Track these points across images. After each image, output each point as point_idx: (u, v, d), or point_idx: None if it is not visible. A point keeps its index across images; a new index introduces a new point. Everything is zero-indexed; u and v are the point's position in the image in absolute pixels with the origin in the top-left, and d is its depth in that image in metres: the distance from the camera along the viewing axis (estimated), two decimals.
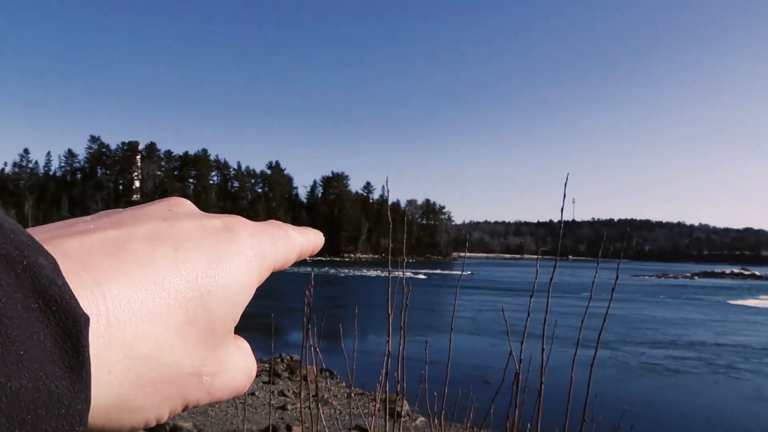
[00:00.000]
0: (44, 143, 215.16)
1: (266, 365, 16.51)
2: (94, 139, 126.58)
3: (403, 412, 10.51)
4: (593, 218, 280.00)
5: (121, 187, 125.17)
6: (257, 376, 15.65)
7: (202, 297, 0.24)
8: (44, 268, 0.18)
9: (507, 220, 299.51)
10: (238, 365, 0.28)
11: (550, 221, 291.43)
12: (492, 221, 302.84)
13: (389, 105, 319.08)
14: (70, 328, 0.18)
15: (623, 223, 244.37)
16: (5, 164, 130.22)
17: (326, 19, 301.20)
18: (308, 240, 0.34)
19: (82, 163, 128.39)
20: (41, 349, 0.17)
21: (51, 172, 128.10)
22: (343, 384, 14.89)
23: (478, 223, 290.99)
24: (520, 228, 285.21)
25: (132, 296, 0.21)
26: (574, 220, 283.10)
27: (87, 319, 0.19)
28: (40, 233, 0.22)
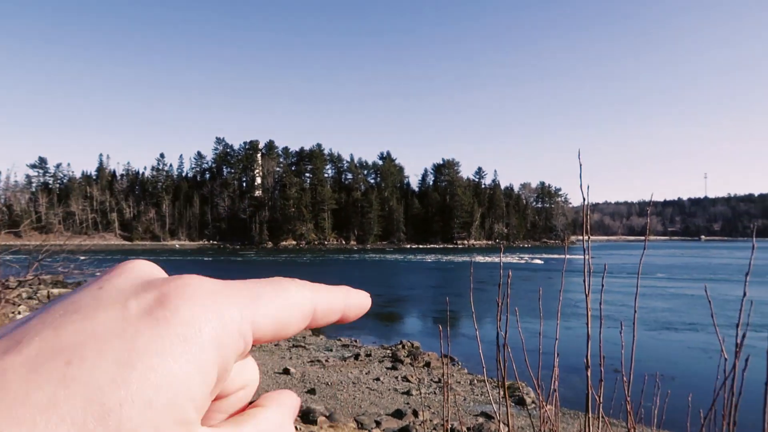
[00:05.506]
0: (177, 147, 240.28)
1: (388, 351, 17.06)
2: (219, 140, 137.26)
3: (528, 400, 10.35)
4: (729, 194, 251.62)
5: (244, 184, 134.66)
6: (380, 361, 16.14)
7: (109, 415, 0.20)
8: None
9: (629, 200, 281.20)
10: None
11: (678, 199, 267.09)
12: (613, 202, 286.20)
13: (499, 85, 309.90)
14: None
15: (766, 198, 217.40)
16: (145, 168, 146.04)
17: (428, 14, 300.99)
18: (328, 299, 0.29)
19: (209, 163, 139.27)
20: None
21: (183, 174, 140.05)
22: (465, 370, 14.94)
23: (597, 204, 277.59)
24: (644, 208, 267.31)
25: None
26: (706, 197, 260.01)
27: None
28: None
